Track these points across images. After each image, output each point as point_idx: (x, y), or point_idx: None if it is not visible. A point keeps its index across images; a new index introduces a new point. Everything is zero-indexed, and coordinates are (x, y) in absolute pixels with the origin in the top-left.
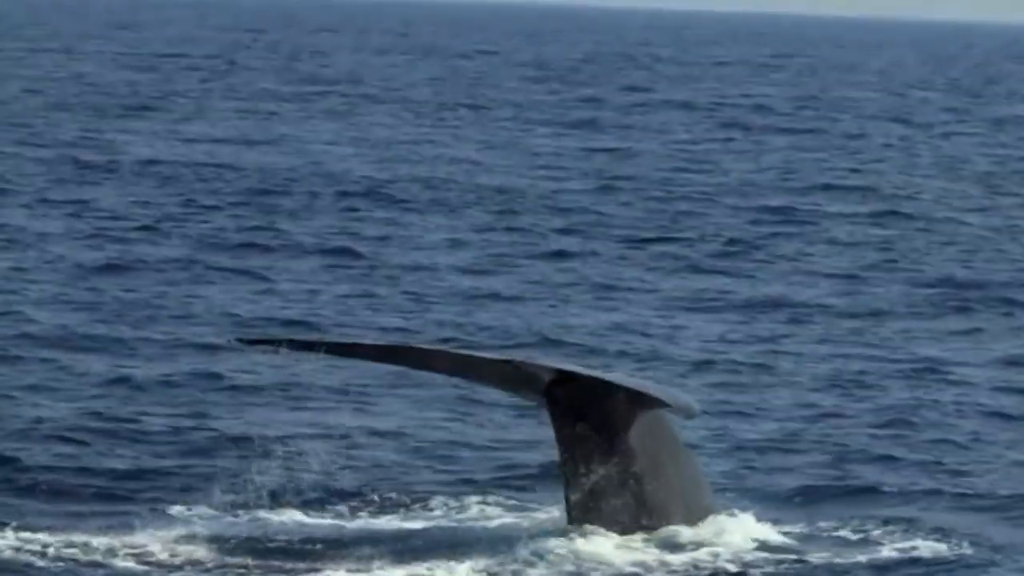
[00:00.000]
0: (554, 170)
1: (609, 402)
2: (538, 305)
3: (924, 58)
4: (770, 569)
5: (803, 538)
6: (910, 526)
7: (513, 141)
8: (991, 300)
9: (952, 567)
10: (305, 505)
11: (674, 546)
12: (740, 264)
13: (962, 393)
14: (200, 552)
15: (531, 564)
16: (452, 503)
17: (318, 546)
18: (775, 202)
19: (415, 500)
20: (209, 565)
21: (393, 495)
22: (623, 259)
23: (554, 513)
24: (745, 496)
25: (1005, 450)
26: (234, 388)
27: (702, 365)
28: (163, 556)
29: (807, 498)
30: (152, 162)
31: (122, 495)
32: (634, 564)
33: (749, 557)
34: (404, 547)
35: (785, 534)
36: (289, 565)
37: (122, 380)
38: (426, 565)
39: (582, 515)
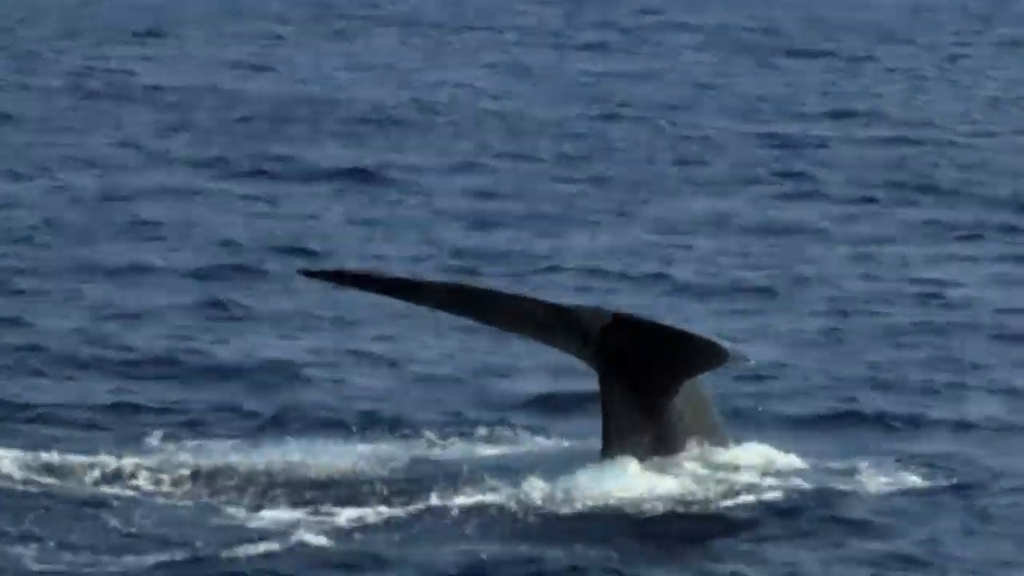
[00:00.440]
0: (561, 95)
1: (667, 350)
2: (542, 230)
3: None
4: (795, 497)
5: (814, 467)
6: (913, 454)
7: (520, 64)
8: (995, 224)
9: (945, 495)
10: (311, 433)
11: (698, 475)
12: (745, 189)
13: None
14: (202, 482)
15: (565, 494)
16: (480, 432)
17: (328, 476)
18: (781, 128)
19: (437, 429)
20: (212, 495)
21: (409, 424)
22: (631, 184)
23: (590, 443)
24: (749, 426)
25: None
26: (234, 316)
27: (705, 289)
28: (162, 485)
29: (812, 426)
30: (156, 88)
31: (118, 423)
32: (666, 494)
33: (767, 485)
34: (426, 477)
35: (799, 462)
36: (297, 496)
37: (118, 306)
38: (453, 494)
39: (619, 446)
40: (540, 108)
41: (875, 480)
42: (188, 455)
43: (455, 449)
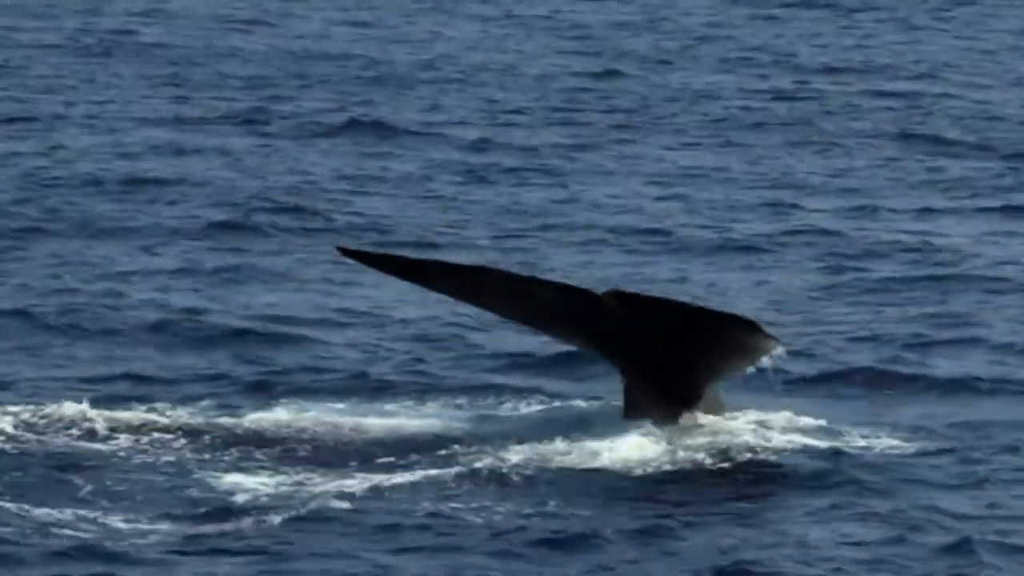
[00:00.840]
0: (557, 49)
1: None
2: (536, 184)
3: None
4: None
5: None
6: (905, 411)
7: (516, 17)
8: (990, 175)
9: (942, 456)
10: (326, 394)
11: (688, 442)
12: (739, 136)
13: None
14: (209, 443)
15: (583, 453)
16: (497, 394)
17: (345, 435)
18: (777, 80)
19: (456, 389)
20: (221, 454)
21: (429, 384)
22: (623, 139)
23: (611, 403)
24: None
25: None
26: (228, 276)
27: (701, 243)
28: (175, 444)
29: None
30: (152, 45)
31: (103, 383)
32: (683, 456)
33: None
34: (445, 437)
35: (818, 423)
36: (316, 455)
37: (108, 265)
38: (472, 453)
39: (637, 408)
40: (535, 61)
41: (872, 440)
42: (169, 416)
43: (440, 411)
